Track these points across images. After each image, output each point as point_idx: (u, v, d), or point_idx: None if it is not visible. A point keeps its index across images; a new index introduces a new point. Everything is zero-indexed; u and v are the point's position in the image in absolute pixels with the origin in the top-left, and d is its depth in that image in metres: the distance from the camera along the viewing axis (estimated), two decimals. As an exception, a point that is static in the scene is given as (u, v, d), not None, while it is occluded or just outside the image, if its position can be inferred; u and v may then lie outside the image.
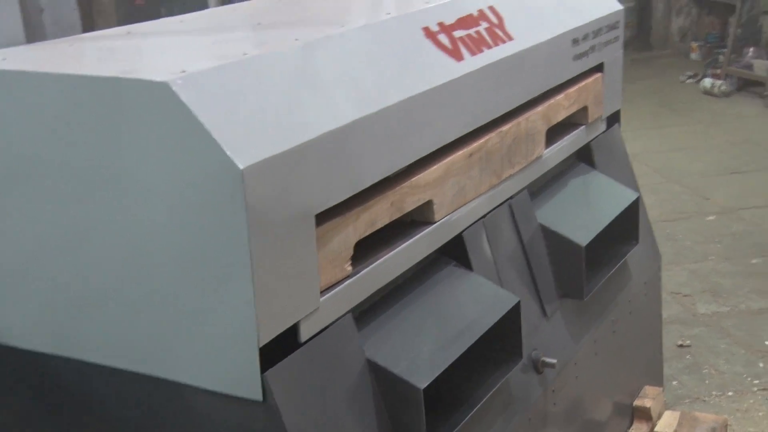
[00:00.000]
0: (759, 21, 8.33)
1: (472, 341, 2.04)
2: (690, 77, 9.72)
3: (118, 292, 1.78)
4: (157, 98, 1.61)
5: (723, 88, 8.80)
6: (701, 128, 6.46)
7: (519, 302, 2.20)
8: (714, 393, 3.58)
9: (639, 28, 11.60)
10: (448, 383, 2.01)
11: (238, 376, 1.70)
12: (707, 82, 9.11)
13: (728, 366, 3.78)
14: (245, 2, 2.79)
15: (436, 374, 1.91)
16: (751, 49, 8.25)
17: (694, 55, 10.74)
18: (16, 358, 1.97)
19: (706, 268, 4.71)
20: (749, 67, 8.08)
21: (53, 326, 1.89)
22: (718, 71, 9.12)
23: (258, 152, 1.61)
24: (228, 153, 1.57)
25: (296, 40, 1.93)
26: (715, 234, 5.15)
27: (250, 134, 1.63)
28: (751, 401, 3.49)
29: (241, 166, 1.56)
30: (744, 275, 4.60)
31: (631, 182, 3.07)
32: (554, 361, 2.41)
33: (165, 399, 1.81)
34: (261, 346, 1.66)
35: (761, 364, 3.75)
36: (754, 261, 4.75)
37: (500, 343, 2.20)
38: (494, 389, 2.12)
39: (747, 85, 8.03)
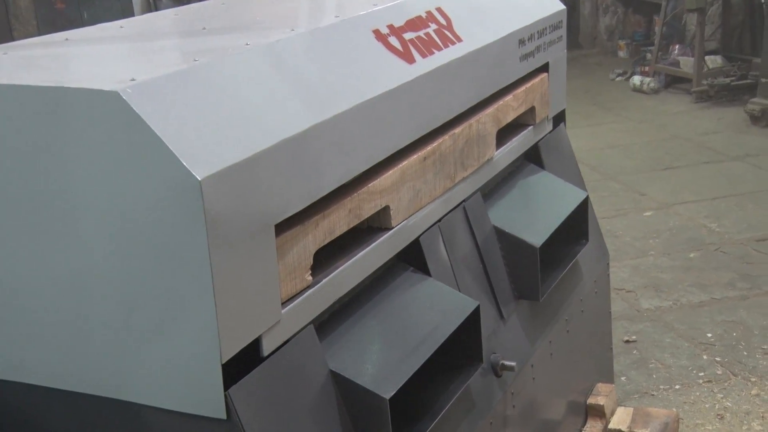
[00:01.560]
0: (683, 19, 8.40)
1: (434, 348, 1.99)
2: (619, 75, 9.79)
3: (68, 313, 1.69)
4: (107, 108, 1.52)
5: (652, 85, 8.87)
6: (633, 125, 6.50)
7: (478, 307, 2.15)
8: (662, 387, 3.58)
9: (567, 28, 11.62)
10: (410, 390, 1.95)
11: (200, 394, 1.62)
12: (636, 79, 9.18)
13: (674, 360, 3.78)
14: (186, 6, 2.68)
15: (401, 384, 1.85)
16: (677, 47, 8.33)
17: (621, 53, 10.84)
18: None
19: (647, 264, 4.72)
20: (676, 64, 8.16)
21: (5, 349, 1.79)
22: (647, 68, 9.20)
23: (215, 162, 1.54)
24: (185, 164, 1.49)
25: (246, 44, 1.85)
26: (653, 230, 5.16)
27: (207, 144, 1.56)
28: (698, 393, 3.50)
29: (199, 177, 1.49)
30: (683, 269, 4.61)
31: (578, 181, 3.04)
32: (513, 363, 2.37)
33: (125, 421, 1.73)
34: (224, 362, 1.59)
35: (705, 357, 3.76)
36: (691, 255, 4.77)
37: (461, 348, 2.15)
38: (456, 396, 2.07)
39: (674, 81, 8.11)
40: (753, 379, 3.56)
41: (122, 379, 1.69)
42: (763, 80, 6.60)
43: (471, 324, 2.14)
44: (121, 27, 2.20)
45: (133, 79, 1.56)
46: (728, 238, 4.94)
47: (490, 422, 2.33)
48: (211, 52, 1.83)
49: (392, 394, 1.81)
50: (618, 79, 9.74)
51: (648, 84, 8.91)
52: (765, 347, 3.79)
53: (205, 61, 1.72)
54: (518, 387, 2.49)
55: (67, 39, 2.07)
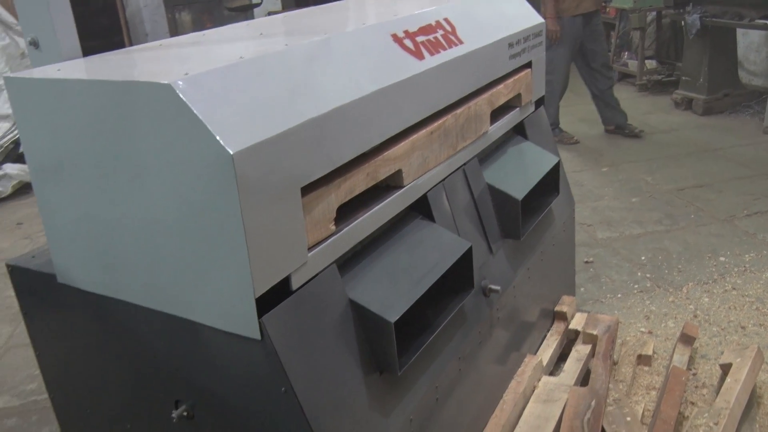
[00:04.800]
0: (630, 34, 8.01)
1: (434, 280, 1.71)
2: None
3: (146, 249, 1.45)
4: (162, 97, 1.27)
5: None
6: (595, 107, 6.11)
7: (471, 247, 1.85)
8: (608, 296, 3.29)
9: (545, 35, 11.13)
10: (415, 311, 1.67)
11: (241, 319, 1.37)
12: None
13: (618, 276, 3.48)
14: (262, 18, 2.43)
15: (404, 310, 1.57)
16: (626, 53, 7.94)
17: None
18: (80, 298, 1.64)
19: (602, 206, 4.39)
20: (625, 65, 7.76)
21: (106, 274, 1.56)
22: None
23: (247, 139, 1.26)
24: (221, 141, 1.23)
25: (285, 45, 1.55)
26: (607, 181, 4.82)
27: (241, 124, 1.29)
28: (633, 300, 3.23)
29: (231, 152, 1.23)
30: (627, 210, 4.30)
31: (553, 149, 2.70)
32: (498, 288, 2.07)
33: (188, 335, 1.49)
34: (257, 297, 1.33)
35: (639, 274, 3.48)
36: (633, 200, 4.45)
37: (457, 278, 1.86)
38: (452, 314, 1.79)
39: (624, 77, 7.69)
40: (670, 290, 3.29)
41: (186, 302, 1.46)
42: (684, 78, 6.38)
43: (465, 260, 1.85)
44: (203, 35, 1.93)
45: (186, 74, 1.31)
46: (658, 188, 4.61)
47: (479, 332, 2.04)
48: (256, 51, 1.53)
49: (396, 318, 1.54)
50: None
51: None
52: (680, 267, 3.51)
53: (248, 58, 1.43)
54: (502, 304, 2.20)
55: (161, 45, 1.81)
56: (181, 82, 1.26)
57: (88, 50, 1.78)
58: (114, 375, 1.70)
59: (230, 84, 1.34)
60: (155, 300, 1.50)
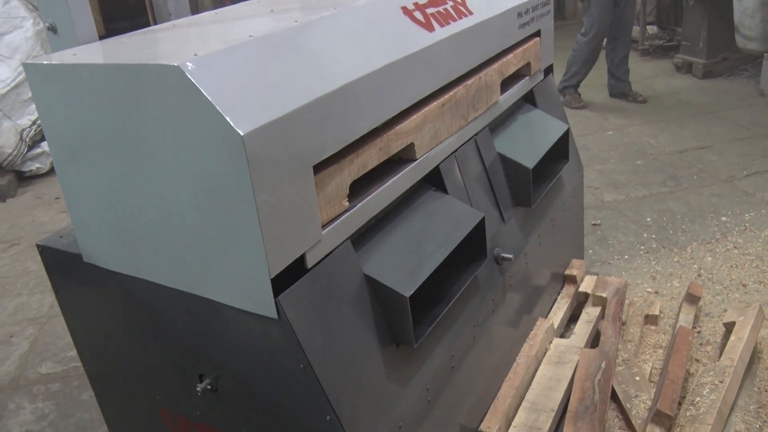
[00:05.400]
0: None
1: (448, 253, 1.60)
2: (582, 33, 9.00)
3: (163, 230, 1.35)
4: (172, 79, 1.16)
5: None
6: (600, 72, 5.84)
7: (483, 218, 1.74)
8: (616, 257, 3.17)
9: (554, 4, 10.82)
10: (432, 282, 1.57)
11: (258, 298, 1.28)
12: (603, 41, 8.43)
13: (624, 237, 3.36)
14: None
15: (419, 283, 1.48)
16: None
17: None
18: (105, 277, 1.56)
19: (608, 168, 4.24)
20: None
21: (128, 254, 1.47)
22: (610, 33, 8.47)
23: (257, 120, 1.15)
24: (231, 122, 1.13)
25: (295, 21, 1.43)
26: (613, 144, 4.65)
27: (251, 105, 1.18)
28: (639, 261, 3.10)
29: (242, 133, 1.12)
30: (632, 172, 4.14)
31: (562, 116, 2.57)
32: (511, 256, 1.97)
33: (208, 313, 1.40)
34: (272, 277, 1.23)
35: (645, 235, 3.35)
36: (638, 162, 4.29)
37: (471, 248, 1.75)
38: (466, 285, 1.69)
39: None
40: (675, 250, 3.17)
41: (204, 281, 1.36)
42: (684, 43, 6.13)
43: (478, 231, 1.74)
44: (216, 14, 1.80)
45: (195, 55, 1.20)
46: (662, 150, 4.44)
47: (492, 299, 1.94)
48: (266, 29, 1.41)
49: (411, 292, 1.44)
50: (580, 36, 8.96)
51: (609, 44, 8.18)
52: (683, 228, 3.38)
53: (258, 36, 1.31)
54: (515, 271, 2.10)
55: (174, 25, 1.70)
56: (190, 64, 1.15)
57: (117, 31, 1.68)
58: (141, 349, 1.63)
59: (240, 64, 1.23)
60: (175, 279, 1.41)
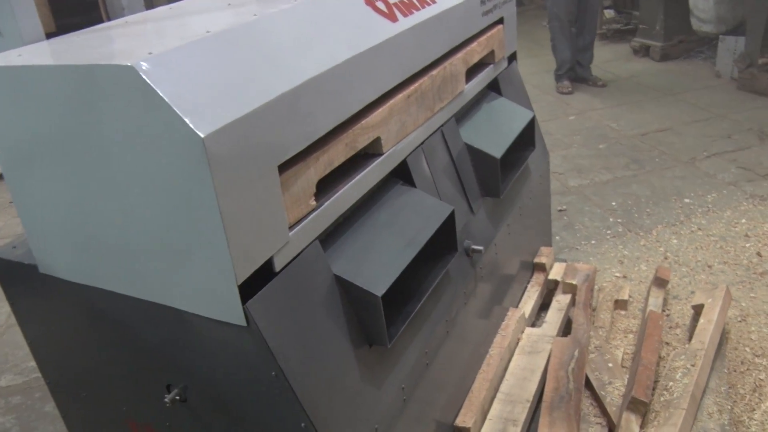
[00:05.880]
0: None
1: (419, 249, 1.57)
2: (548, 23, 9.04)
3: (123, 238, 1.28)
4: (126, 80, 1.10)
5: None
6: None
7: (453, 211, 1.71)
8: (583, 242, 3.18)
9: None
10: (400, 278, 1.53)
11: (225, 306, 1.23)
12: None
13: (591, 222, 3.37)
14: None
15: (391, 282, 1.44)
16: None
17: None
18: (63, 288, 1.48)
19: (572, 153, 4.26)
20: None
21: (86, 263, 1.40)
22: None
23: (217, 120, 1.10)
24: (190, 124, 1.07)
25: (254, 15, 1.37)
26: (575, 129, 4.68)
27: (211, 104, 1.12)
28: (606, 246, 3.12)
29: (202, 135, 1.07)
30: (595, 157, 4.17)
31: (527, 103, 2.55)
32: (481, 248, 1.94)
33: (174, 322, 1.34)
34: (239, 283, 1.18)
35: (611, 219, 3.37)
36: (600, 146, 4.32)
37: (441, 242, 1.72)
38: (438, 280, 1.66)
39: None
40: (641, 234, 3.20)
41: (168, 290, 1.30)
42: (641, 26, 6.20)
43: (448, 224, 1.71)
44: (171, 8, 1.73)
45: (150, 53, 1.13)
46: (623, 134, 4.48)
47: (464, 292, 1.92)
48: (224, 24, 1.35)
49: (384, 291, 1.40)
50: (546, 25, 9.00)
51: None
52: (648, 211, 3.41)
53: (215, 32, 1.25)
54: (485, 262, 2.08)
55: (126, 22, 1.62)
56: (144, 63, 1.09)
57: (68, 27, 1.59)
58: (105, 360, 1.56)
59: (197, 61, 1.17)
60: (138, 288, 1.35)
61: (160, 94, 1.07)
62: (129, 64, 1.08)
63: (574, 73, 5.60)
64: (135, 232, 1.25)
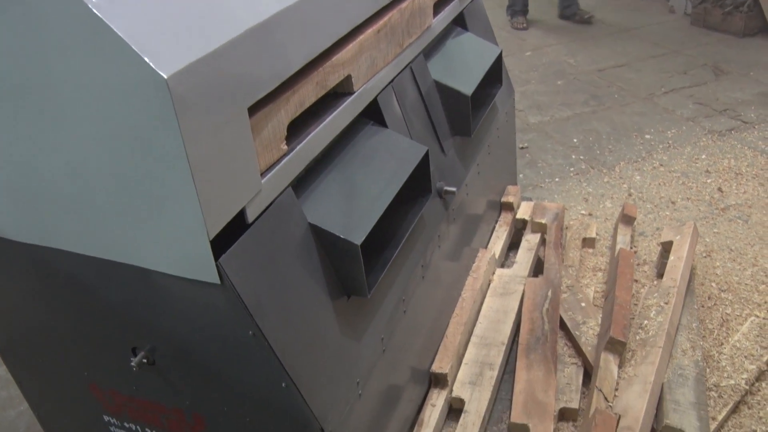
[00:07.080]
0: None
1: (395, 193, 1.49)
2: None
3: (78, 193, 1.16)
4: (75, 15, 0.96)
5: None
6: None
7: (428, 151, 1.62)
8: (547, 180, 3.15)
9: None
10: (377, 224, 1.45)
11: (196, 263, 1.13)
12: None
13: (553, 159, 3.34)
14: None
15: (369, 229, 1.36)
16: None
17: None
18: (11, 249, 1.35)
19: (530, 90, 4.19)
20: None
21: (38, 222, 1.26)
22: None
23: (181, 59, 0.98)
24: (152, 64, 0.94)
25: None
26: (532, 65, 4.60)
27: (173, 42, 0.99)
28: (570, 183, 3.10)
29: (165, 75, 0.94)
30: (554, 93, 4.11)
31: (492, 39, 2.45)
32: (454, 189, 1.87)
33: (139, 282, 1.23)
34: (211, 239, 1.07)
35: (573, 156, 3.34)
36: (559, 83, 4.26)
37: (415, 184, 1.64)
38: (414, 224, 1.58)
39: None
40: (604, 171, 3.18)
41: (132, 248, 1.19)
42: None
43: (422, 166, 1.63)
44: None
45: (100, -16, 0.98)
46: (581, 69, 4.43)
47: (438, 235, 1.86)
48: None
49: (362, 240, 1.32)
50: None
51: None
52: (610, 147, 3.39)
53: (170, -43, 1.11)
54: (456, 204, 2.01)
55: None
56: (94, -5, 0.96)
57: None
58: (63, 324, 1.45)
59: (152, -8, 1.04)
60: (98, 248, 1.23)
61: (116, 31, 0.94)
62: (78, -4, 0.95)
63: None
64: (92, 188, 1.13)
